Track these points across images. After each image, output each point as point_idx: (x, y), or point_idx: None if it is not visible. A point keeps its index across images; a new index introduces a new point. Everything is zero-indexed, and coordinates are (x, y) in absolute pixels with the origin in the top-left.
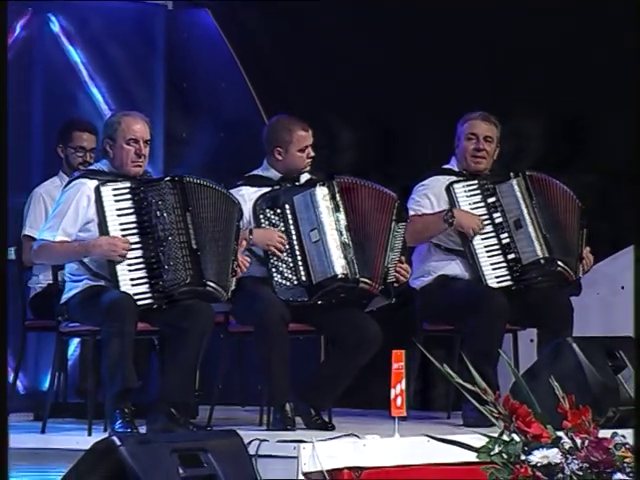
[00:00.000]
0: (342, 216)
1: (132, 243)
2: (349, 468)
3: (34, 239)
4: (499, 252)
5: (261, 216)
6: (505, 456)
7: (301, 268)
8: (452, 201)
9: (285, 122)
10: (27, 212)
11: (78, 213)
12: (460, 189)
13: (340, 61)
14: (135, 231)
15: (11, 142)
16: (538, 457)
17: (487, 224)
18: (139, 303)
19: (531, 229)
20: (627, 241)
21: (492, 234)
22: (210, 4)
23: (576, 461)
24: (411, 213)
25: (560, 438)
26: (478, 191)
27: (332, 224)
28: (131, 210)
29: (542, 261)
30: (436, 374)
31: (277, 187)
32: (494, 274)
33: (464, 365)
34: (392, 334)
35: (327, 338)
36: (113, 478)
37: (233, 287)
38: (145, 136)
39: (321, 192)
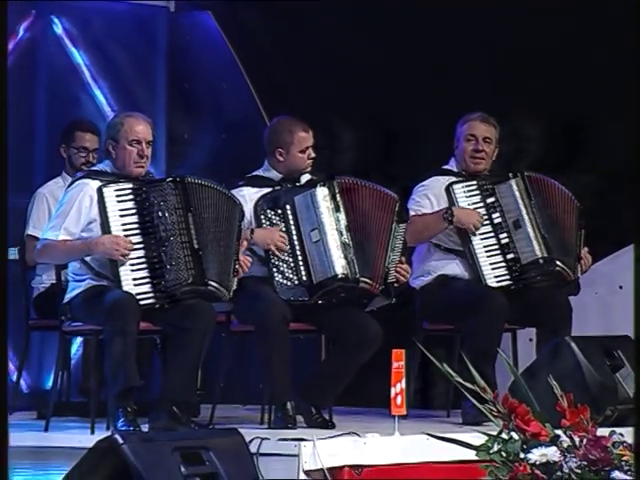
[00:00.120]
0: (342, 216)
1: (134, 243)
2: (349, 466)
3: (37, 239)
4: (498, 252)
5: (262, 216)
6: (504, 454)
7: (302, 268)
8: (451, 201)
9: (286, 123)
10: (30, 212)
11: (81, 213)
12: (459, 189)
13: (341, 62)
14: (137, 231)
15: (14, 143)
16: (537, 455)
17: (486, 224)
18: (141, 303)
19: (530, 229)
20: (625, 241)
21: (491, 234)
22: (212, 6)
23: (574, 459)
24: (411, 213)
25: (558, 436)
26: (477, 191)
27: (332, 224)
28: (133, 210)
29: (541, 261)
30: (436, 373)
31: (278, 187)
32: (493, 274)
33: (464, 364)
34: (392, 333)
35: (328, 337)
36: (116, 476)
37: (234, 287)
38: (147, 137)
39: (321, 192)
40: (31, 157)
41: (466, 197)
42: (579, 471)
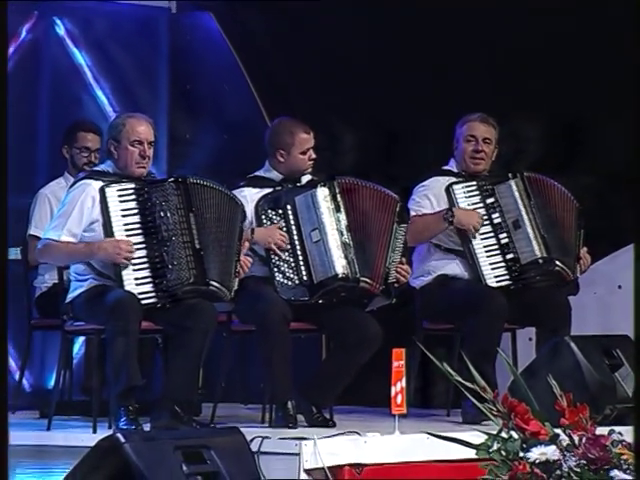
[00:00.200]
0: (343, 216)
1: (136, 243)
2: (350, 465)
3: (40, 239)
4: (498, 252)
5: (263, 216)
6: (504, 453)
7: (302, 268)
8: (451, 202)
9: (287, 125)
10: (32, 212)
11: (83, 213)
12: (459, 190)
13: (341, 62)
14: (139, 231)
15: (17, 143)
16: (536, 454)
17: (486, 224)
18: (143, 302)
19: (529, 229)
20: (624, 241)
21: (491, 234)
22: (213, 7)
23: (574, 458)
24: (412, 214)
25: (558, 435)
26: (477, 192)
27: (333, 224)
28: (135, 211)
29: (540, 261)
30: (436, 372)
31: (279, 188)
32: (493, 274)
33: (463, 363)
34: (392, 333)
35: (328, 337)
36: (117, 475)
37: (235, 287)
38: (149, 138)
39: (322, 193)
40: (33, 157)
41: (466, 197)
42: (578, 470)
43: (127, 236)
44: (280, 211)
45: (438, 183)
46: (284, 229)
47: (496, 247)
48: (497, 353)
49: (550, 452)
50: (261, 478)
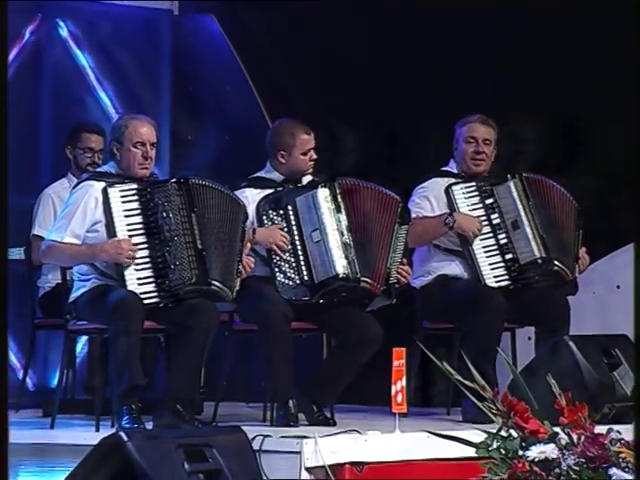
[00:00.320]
0: (343, 217)
1: (139, 243)
2: (351, 463)
3: (43, 239)
4: (497, 252)
5: (264, 217)
6: (503, 451)
7: (303, 268)
8: (451, 203)
9: (288, 126)
10: (36, 212)
11: (86, 214)
12: (458, 191)
13: (342, 63)
14: (142, 232)
15: (20, 144)
16: (535, 452)
17: (485, 225)
18: (146, 302)
19: (528, 230)
20: (623, 241)
21: (490, 235)
22: (214, 9)
23: (572, 456)
24: (412, 215)
25: (557, 434)
26: (476, 193)
27: (333, 225)
28: (138, 211)
29: (539, 261)
30: (436, 371)
31: (280, 188)
32: (492, 274)
33: (463, 363)
34: (393, 332)
35: (329, 336)
36: (120, 473)
37: (237, 287)
38: (151, 139)
39: (323, 193)
40: (37, 158)
41: (465, 198)
42: (577, 468)
43: (130, 236)
44: (281, 211)
45: (438, 184)
46: (285, 229)
47: (495, 247)
48: (497, 352)
49: (549, 450)
50: (262, 476)
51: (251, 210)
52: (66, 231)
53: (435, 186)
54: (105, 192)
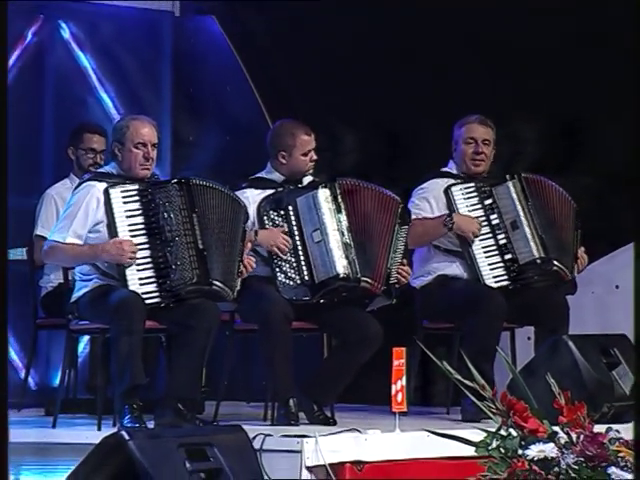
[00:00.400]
0: (344, 217)
1: (140, 244)
2: (351, 462)
3: (46, 239)
4: (496, 253)
5: (265, 217)
6: (503, 450)
7: (304, 268)
8: (450, 203)
9: (289, 127)
10: (39, 213)
11: (88, 215)
12: (458, 192)
13: (343, 64)
14: (143, 232)
15: (23, 145)
16: (535, 451)
17: (484, 225)
18: (147, 302)
19: (527, 230)
20: (622, 241)
21: (489, 235)
22: (215, 10)
23: (571, 455)
24: (412, 217)
25: (556, 433)
26: (475, 193)
27: (334, 225)
28: (139, 211)
29: (538, 261)
30: (436, 371)
31: (280, 189)
32: (492, 274)
33: (463, 362)
34: (393, 332)
35: (329, 336)
36: (122, 472)
37: (238, 287)
38: (153, 140)
39: (323, 194)
40: (39, 159)
41: (464, 199)
42: (576, 467)
43: (131, 237)
44: (282, 212)
45: (437, 185)
46: (286, 230)
47: (494, 248)
48: (496, 352)
49: (548, 449)
50: (263, 475)
51: (252, 210)
52: (68, 231)
53: (434, 187)
54: (107, 193)
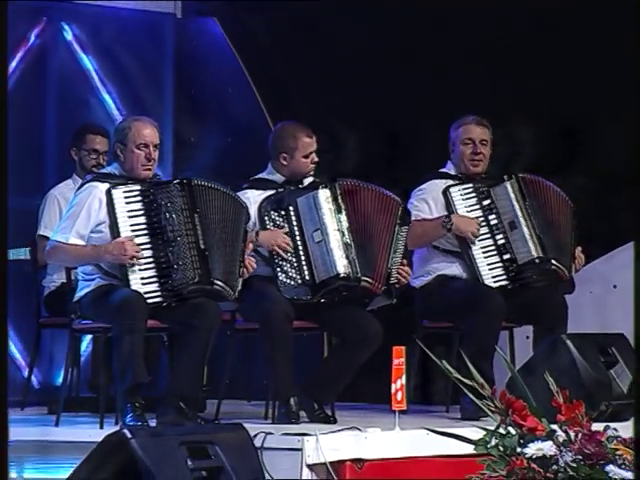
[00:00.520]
0: (344, 217)
1: (142, 244)
2: (351, 460)
3: (49, 239)
4: (495, 253)
5: (266, 218)
6: (501, 448)
7: (305, 267)
8: (448, 204)
9: (290, 129)
10: (42, 213)
11: (90, 215)
12: (456, 192)
13: (343, 64)
14: (145, 232)
15: (26, 146)
16: (533, 449)
17: (483, 226)
18: (149, 301)
19: (525, 230)
20: (620, 241)
21: (488, 235)
22: (217, 12)
23: (570, 453)
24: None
25: (554, 431)
26: (473, 194)
27: (334, 225)
28: (141, 212)
29: (537, 261)
30: (435, 370)
31: (281, 189)
32: (491, 274)
33: (462, 361)
34: (393, 331)
35: (330, 335)
36: (124, 470)
37: (239, 287)
38: (154, 141)
39: (324, 194)
40: (42, 160)
41: (463, 200)
42: (574, 465)
43: (133, 237)
44: (283, 212)
45: (436, 186)
46: (286, 230)
47: (493, 248)
48: (495, 351)
49: (547, 447)
50: (264, 473)
51: (253, 211)
52: (71, 232)
53: (433, 188)
54: (109, 193)
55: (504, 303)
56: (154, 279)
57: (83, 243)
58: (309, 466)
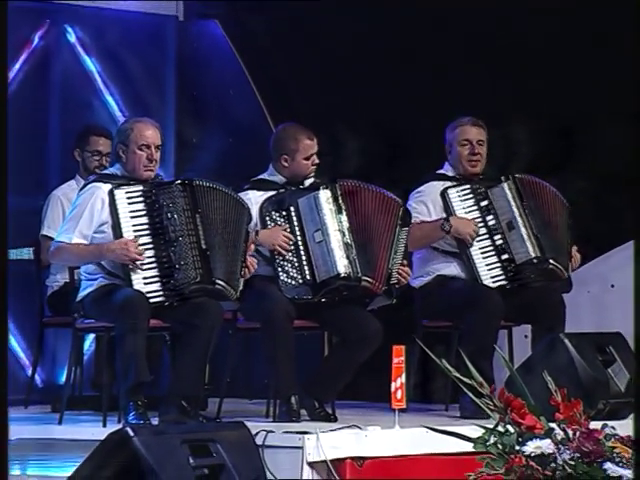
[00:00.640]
0: (344, 218)
1: (144, 244)
2: (351, 458)
3: (52, 239)
4: (493, 253)
5: (267, 218)
6: (500, 446)
7: (305, 267)
8: (446, 206)
9: (291, 131)
10: (45, 213)
11: (93, 215)
12: (454, 194)
13: (343, 64)
14: (147, 232)
15: (30, 147)
16: (532, 447)
17: (481, 227)
18: (151, 301)
19: (523, 230)
20: (617, 241)
21: (486, 236)
22: (218, 14)
23: (568, 451)
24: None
25: (553, 429)
26: (471, 195)
27: (335, 225)
28: (143, 212)
29: (535, 260)
30: (435, 368)
31: (282, 190)
32: (489, 274)
33: (461, 360)
34: (393, 331)
35: (330, 334)
36: (127, 468)
37: (241, 287)
38: (156, 142)
39: (324, 195)
40: (46, 161)
41: (460, 201)
42: (572, 463)
43: (136, 237)
44: (284, 213)
45: (434, 188)
46: (288, 230)
47: (491, 248)
48: (494, 350)
49: (545, 445)
50: (265, 471)
51: (254, 211)
52: (74, 232)
53: (431, 190)
54: (111, 194)
55: (502, 303)
56: (156, 279)
57: (86, 243)
58: (310, 464)
